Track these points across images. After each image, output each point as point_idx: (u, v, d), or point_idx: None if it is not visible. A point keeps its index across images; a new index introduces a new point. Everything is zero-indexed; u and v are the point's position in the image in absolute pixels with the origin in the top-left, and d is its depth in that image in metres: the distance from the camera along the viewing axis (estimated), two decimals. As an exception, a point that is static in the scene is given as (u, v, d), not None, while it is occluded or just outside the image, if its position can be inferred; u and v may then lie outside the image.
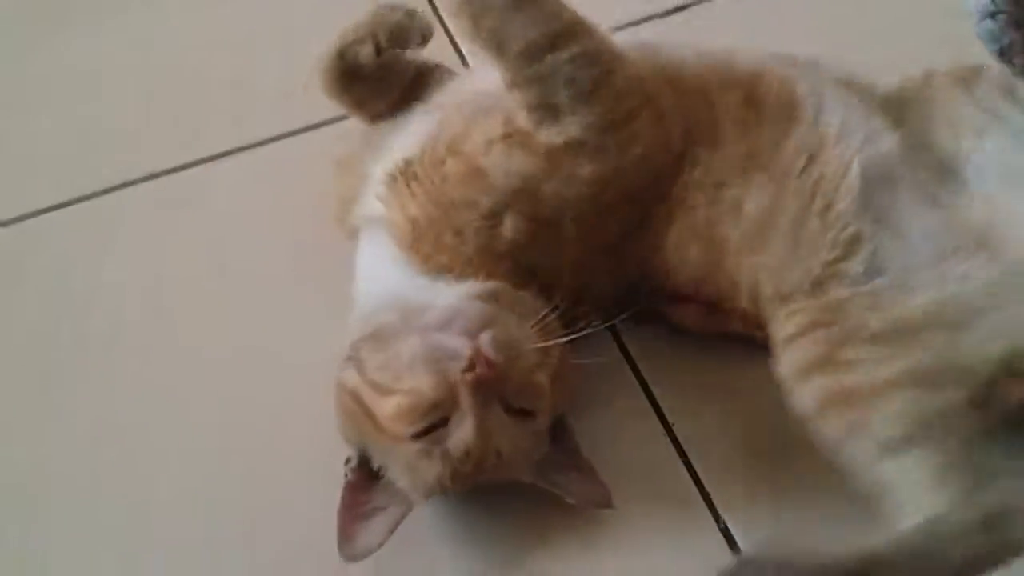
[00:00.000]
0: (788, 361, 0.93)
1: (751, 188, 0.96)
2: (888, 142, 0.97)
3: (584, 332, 0.96)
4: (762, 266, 0.96)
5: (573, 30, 0.93)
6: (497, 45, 0.92)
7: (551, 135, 0.94)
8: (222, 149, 1.32)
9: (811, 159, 0.96)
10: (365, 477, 0.95)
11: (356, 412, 0.94)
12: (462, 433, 0.90)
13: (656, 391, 1.08)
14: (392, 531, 0.93)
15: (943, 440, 0.85)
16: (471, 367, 0.89)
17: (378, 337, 0.95)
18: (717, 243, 0.98)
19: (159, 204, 1.28)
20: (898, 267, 0.93)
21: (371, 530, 0.93)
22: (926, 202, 0.95)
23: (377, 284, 1.01)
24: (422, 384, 0.90)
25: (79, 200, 1.29)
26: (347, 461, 0.96)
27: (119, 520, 1.05)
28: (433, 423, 0.91)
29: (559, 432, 0.99)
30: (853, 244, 0.94)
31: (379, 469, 0.95)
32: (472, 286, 0.96)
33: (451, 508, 1.00)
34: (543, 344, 0.94)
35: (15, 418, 1.13)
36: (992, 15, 0.97)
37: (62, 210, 1.28)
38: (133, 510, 1.05)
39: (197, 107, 1.37)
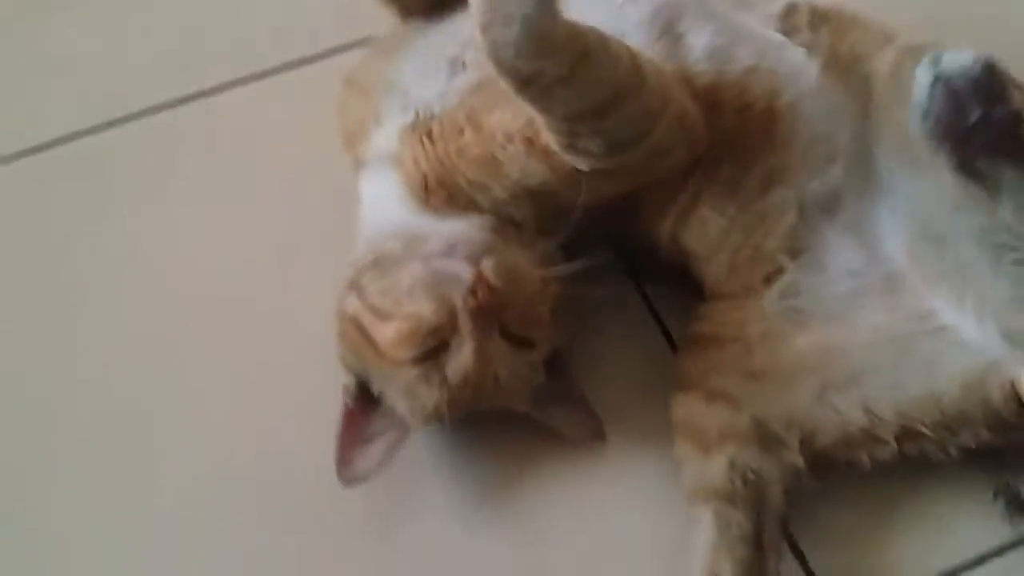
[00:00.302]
0: (680, 366, 1.01)
1: (716, 212, 0.98)
2: (840, 167, 0.97)
3: (584, 265, 0.96)
4: (708, 274, 1.01)
5: (623, 94, 0.86)
6: (542, 108, 0.85)
7: (578, 163, 0.89)
8: (226, 80, 1.32)
9: (765, 189, 0.97)
10: (364, 403, 0.96)
11: (356, 339, 0.95)
12: (461, 359, 0.91)
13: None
14: (390, 456, 0.95)
15: (751, 507, 0.91)
16: (472, 292, 0.90)
17: (380, 264, 0.96)
18: (684, 250, 1.02)
19: (165, 136, 1.28)
20: (810, 298, 0.97)
21: (369, 455, 0.95)
22: (855, 234, 0.97)
23: (382, 215, 1.01)
24: (422, 309, 0.91)
25: (84, 134, 1.29)
26: (345, 388, 0.97)
27: (127, 448, 1.06)
28: (432, 348, 0.92)
29: (556, 365, 1.00)
30: (775, 274, 0.98)
31: (378, 395, 0.96)
32: (477, 219, 0.97)
33: (445, 436, 1.02)
34: (544, 273, 0.95)
35: (24, 354, 1.13)
36: (923, 116, 0.89)
37: (68, 144, 1.28)
38: (141, 442, 1.06)
39: (199, 42, 1.36)
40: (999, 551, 0.94)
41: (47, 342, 1.13)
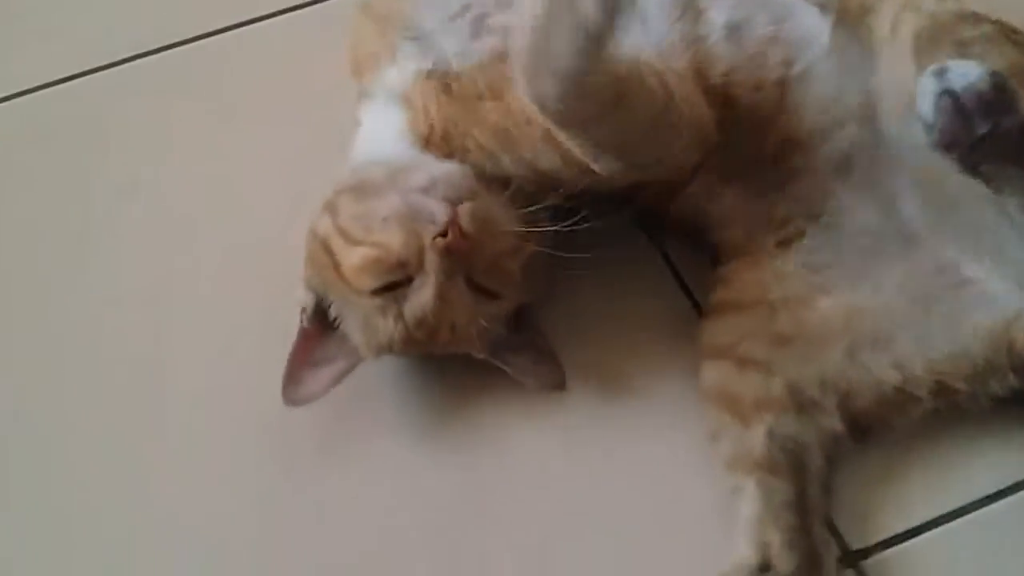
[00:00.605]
0: (703, 333, 0.99)
1: (728, 185, 0.98)
2: (851, 128, 0.96)
3: (568, 227, 0.94)
4: (723, 239, 1.02)
5: (655, 129, 0.87)
6: (573, 137, 0.85)
7: (595, 167, 0.88)
8: (231, 22, 1.31)
9: (778, 158, 0.97)
10: (320, 327, 0.96)
11: (322, 260, 0.94)
12: (421, 297, 0.91)
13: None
14: (337, 382, 0.95)
15: (793, 474, 0.91)
16: (444, 233, 0.89)
17: (360, 189, 0.95)
18: (697, 217, 1.02)
19: (170, 77, 1.27)
20: (831, 258, 0.97)
21: (318, 378, 0.95)
22: (869, 193, 0.96)
23: (377, 145, 1.00)
24: (392, 240, 0.90)
25: (93, 71, 1.28)
26: (303, 309, 0.97)
27: (124, 383, 1.06)
28: (395, 281, 0.91)
29: (523, 317, 0.99)
30: (793, 237, 0.98)
31: (335, 320, 0.96)
32: (467, 166, 0.96)
33: (399, 368, 1.02)
34: (521, 229, 0.94)
35: (25, 294, 1.13)
36: (928, 129, 0.88)
37: (80, 79, 1.27)
38: (137, 377, 1.06)
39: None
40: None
41: (49, 278, 1.13)
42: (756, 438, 0.92)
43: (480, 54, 0.97)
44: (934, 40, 0.92)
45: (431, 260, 0.90)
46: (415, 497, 0.97)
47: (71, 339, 1.08)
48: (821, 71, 0.96)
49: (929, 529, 0.93)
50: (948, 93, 0.83)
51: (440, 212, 0.90)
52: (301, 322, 0.96)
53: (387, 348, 0.94)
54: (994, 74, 0.82)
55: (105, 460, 1.01)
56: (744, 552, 0.90)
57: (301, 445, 1.00)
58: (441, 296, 0.90)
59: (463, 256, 0.90)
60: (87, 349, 1.07)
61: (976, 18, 0.95)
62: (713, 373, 0.97)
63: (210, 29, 1.29)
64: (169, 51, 1.28)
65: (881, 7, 0.97)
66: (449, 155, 0.96)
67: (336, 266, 0.93)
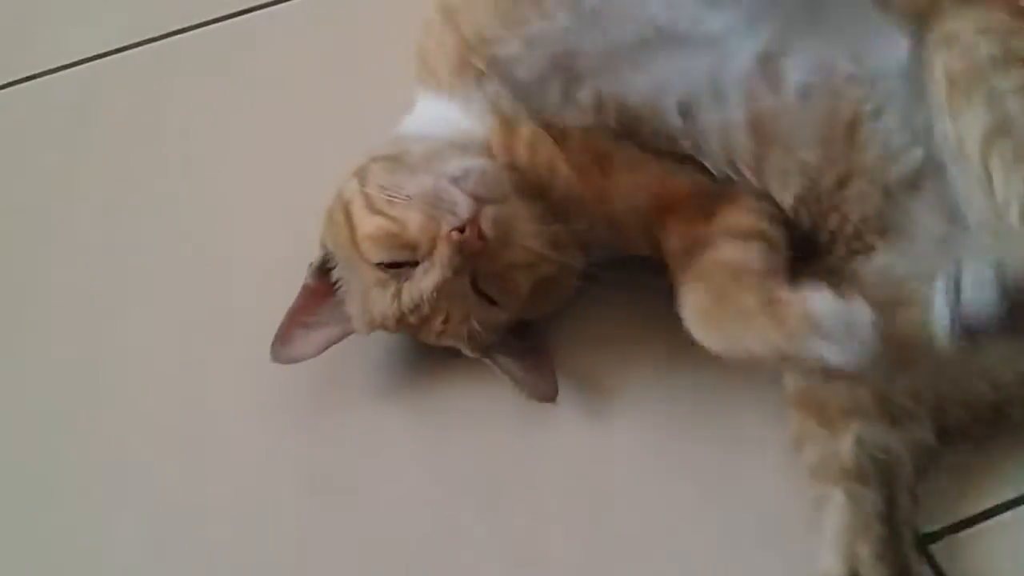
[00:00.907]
0: None
1: (796, 214, 0.96)
2: (921, 147, 0.93)
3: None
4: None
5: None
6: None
7: None
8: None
9: (843, 184, 0.94)
10: (322, 287, 0.96)
11: (340, 221, 0.95)
12: (422, 284, 0.90)
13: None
14: (326, 347, 0.96)
15: (882, 483, 0.88)
16: (461, 228, 0.88)
17: (396, 160, 0.95)
18: None
19: (221, 48, 1.28)
20: (904, 270, 0.94)
21: (308, 340, 0.96)
22: (939, 203, 0.93)
23: (431, 129, 0.99)
24: (410, 219, 0.90)
25: (145, 42, 1.30)
26: (311, 264, 0.97)
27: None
28: (402, 260, 0.91)
29: (527, 327, 0.98)
30: (865, 251, 0.95)
31: (336, 283, 0.96)
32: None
33: (403, 339, 1.00)
34: (541, 250, 0.92)
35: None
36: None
37: (130, 51, 1.29)
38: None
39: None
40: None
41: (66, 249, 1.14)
42: (844, 445, 0.89)
43: (578, 119, 0.96)
44: (968, 85, 0.89)
45: (441, 251, 0.89)
46: (412, 469, 0.96)
47: (74, 312, 1.09)
48: (892, 100, 0.93)
49: (999, 513, 0.90)
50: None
51: (464, 206, 0.89)
52: (305, 279, 0.97)
53: (379, 323, 0.94)
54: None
55: (100, 419, 1.02)
56: (832, 564, 0.85)
57: (296, 412, 1.00)
58: (441, 288, 0.90)
59: (474, 256, 0.89)
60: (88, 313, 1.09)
61: (1015, 62, 0.90)
62: (797, 378, 0.93)
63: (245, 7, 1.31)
64: (202, 29, 1.30)
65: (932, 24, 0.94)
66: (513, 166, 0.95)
67: (351, 229, 0.93)
